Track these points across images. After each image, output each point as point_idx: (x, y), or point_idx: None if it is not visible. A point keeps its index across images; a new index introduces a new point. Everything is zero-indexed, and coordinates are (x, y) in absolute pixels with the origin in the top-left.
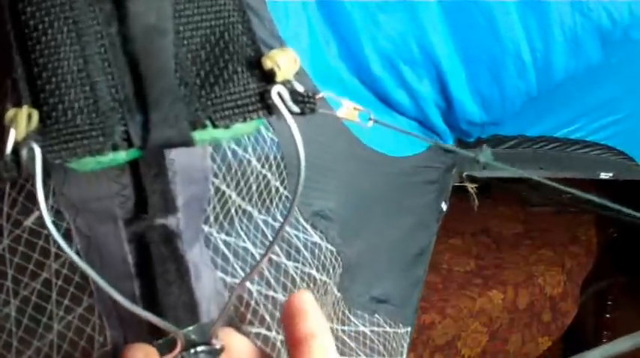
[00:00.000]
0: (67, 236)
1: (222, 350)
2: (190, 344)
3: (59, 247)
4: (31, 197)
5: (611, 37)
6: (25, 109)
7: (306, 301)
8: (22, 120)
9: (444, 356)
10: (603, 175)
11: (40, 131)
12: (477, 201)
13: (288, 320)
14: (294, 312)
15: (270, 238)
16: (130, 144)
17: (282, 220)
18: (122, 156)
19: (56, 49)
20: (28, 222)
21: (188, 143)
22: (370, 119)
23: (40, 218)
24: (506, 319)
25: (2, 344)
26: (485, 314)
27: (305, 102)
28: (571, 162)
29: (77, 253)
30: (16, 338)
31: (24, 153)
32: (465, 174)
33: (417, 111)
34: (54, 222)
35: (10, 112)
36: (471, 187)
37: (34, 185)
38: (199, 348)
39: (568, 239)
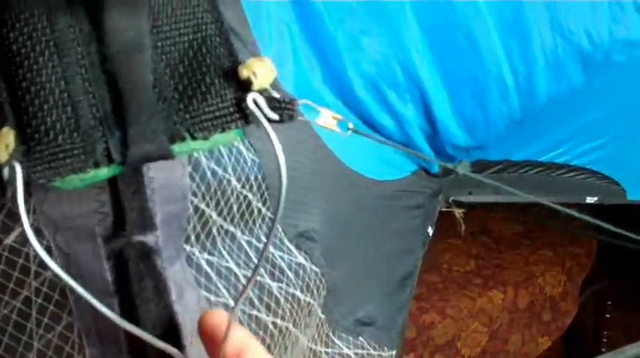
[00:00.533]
0: (47, 253)
1: None
2: None
3: (40, 265)
4: (11, 216)
5: (593, 60)
6: (7, 131)
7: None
8: (4, 142)
9: (444, 356)
10: (589, 199)
11: (24, 152)
12: (463, 226)
13: (209, 343)
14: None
15: (254, 258)
16: (111, 161)
17: (265, 240)
18: (104, 172)
19: (38, 71)
20: (9, 240)
21: (167, 156)
22: (349, 129)
23: (21, 236)
24: (506, 319)
25: None
26: (485, 314)
27: (283, 109)
28: (556, 186)
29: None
30: None
31: (5, 172)
32: (451, 199)
33: (402, 134)
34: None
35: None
36: (457, 213)
37: (15, 203)
38: None
39: (568, 239)
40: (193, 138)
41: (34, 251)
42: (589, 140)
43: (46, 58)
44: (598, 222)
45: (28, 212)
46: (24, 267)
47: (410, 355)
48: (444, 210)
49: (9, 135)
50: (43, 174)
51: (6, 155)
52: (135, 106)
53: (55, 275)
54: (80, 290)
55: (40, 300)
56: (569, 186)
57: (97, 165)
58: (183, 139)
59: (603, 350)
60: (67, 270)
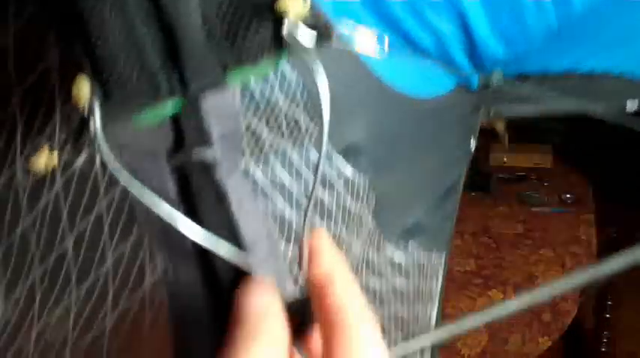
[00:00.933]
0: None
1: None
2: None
3: (108, 184)
4: (79, 143)
5: None
6: (83, 79)
7: (322, 239)
8: (84, 86)
9: (444, 356)
10: (629, 104)
11: (100, 97)
12: (507, 136)
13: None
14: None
15: (305, 173)
16: (175, 95)
17: (315, 155)
18: (171, 106)
19: (105, 22)
20: (78, 164)
21: (222, 87)
22: (386, 45)
23: (89, 159)
24: (506, 319)
25: (63, 276)
26: None
27: (320, 34)
28: (597, 92)
29: (124, 188)
30: (74, 272)
31: (87, 108)
32: (492, 112)
33: (441, 51)
34: (102, 162)
35: (78, 81)
36: (499, 125)
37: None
38: None
39: (568, 239)
40: (242, 68)
41: (102, 172)
42: (629, 46)
43: (109, 10)
44: None
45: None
46: (93, 187)
47: None
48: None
49: (84, 82)
50: (120, 114)
51: (86, 92)
52: (189, 46)
53: (123, 191)
54: (144, 191)
55: (110, 216)
56: (609, 92)
57: (164, 99)
58: (233, 70)
59: (603, 350)
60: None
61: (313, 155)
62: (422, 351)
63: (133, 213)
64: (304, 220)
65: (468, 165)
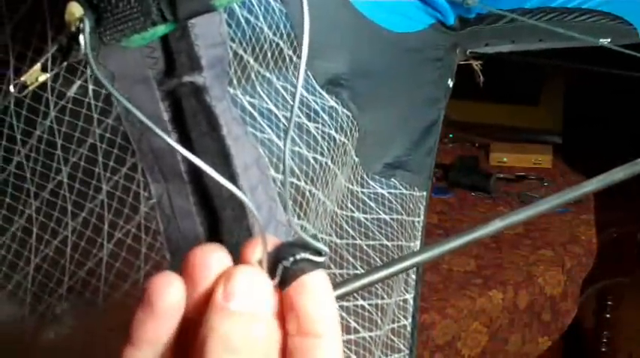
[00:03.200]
0: (106, 101)
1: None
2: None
3: (101, 113)
4: (72, 71)
5: None
6: (75, 4)
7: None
8: (76, 10)
9: (444, 356)
10: (602, 40)
11: (94, 20)
12: (481, 77)
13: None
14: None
15: (290, 101)
16: (165, 19)
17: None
18: (161, 29)
19: None
20: (71, 92)
21: (210, 9)
22: None
23: (82, 88)
24: (506, 319)
25: (58, 209)
26: (485, 314)
27: None
28: (570, 30)
29: (117, 116)
30: (71, 202)
31: (77, 25)
32: (468, 52)
33: None
34: (94, 90)
35: (70, 5)
36: (475, 64)
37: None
38: (300, 256)
39: (568, 239)
40: None
41: (96, 100)
42: None
43: None
44: None
45: (86, 64)
46: (87, 116)
47: None
48: (462, 63)
49: (78, 7)
50: (112, 36)
51: (77, 15)
52: None
53: (117, 119)
54: (140, 115)
55: (104, 145)
56: (582, 29)
57: (154, 24)
58: None
59: (603, 350)
60: (127, 115)
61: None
62: (407, 273)
63: (127, 141)
64: (284, 164)
65: (446, 104)
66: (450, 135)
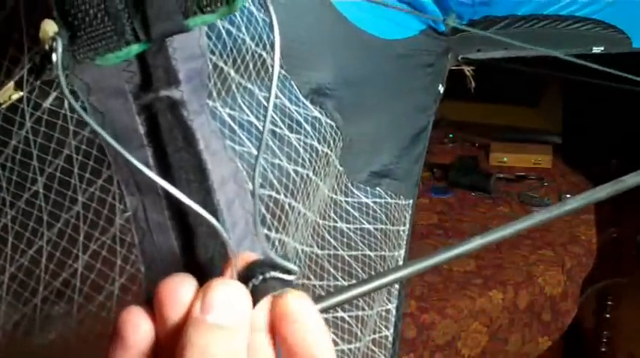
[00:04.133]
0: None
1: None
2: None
3: (77, 124)
4: (48, 83)
5: None
6: (50, 22)
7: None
8: (48, 29)
9: (444, 356)
10: (595, 49)
11: (68, 38)
12: (473, 83)
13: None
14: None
15: (272, 113)
16: (138, 39)
17: (282, 97)
18: (135, 48)
19: None
20: (47, 103)
21: (183, 30)
22: None
23: (58, 99)
24: (506, 319)
25: (34, 220)
26: (485, 314)
27: None
28: (563, 38)
29: (93, 130)
30: (46, 213)
31: (50, 44)
32: (460, 57)
33: None
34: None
35: (44, 23)
36: (467, 70)
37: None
38: (269, 274)
39: (568, 239)
40: (203, 12)
41: (72, 112)
42: None
43: None
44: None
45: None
46: (63, 127)
47: (410, 355)
48: (453, 68)
49: (52, 24)
50: (86, 54)
51: (51, 33)
52: None
53: (93, 132)
54: (110, 139)
55: (80, 157)
56: (575, 37)
57: (128, 43)
58: (194, 14)
59: (603, 350)
60: (102, 128)
61: (280, 95)
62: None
63: (102, 154)
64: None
65: (436, 110)
66: (450, 135)
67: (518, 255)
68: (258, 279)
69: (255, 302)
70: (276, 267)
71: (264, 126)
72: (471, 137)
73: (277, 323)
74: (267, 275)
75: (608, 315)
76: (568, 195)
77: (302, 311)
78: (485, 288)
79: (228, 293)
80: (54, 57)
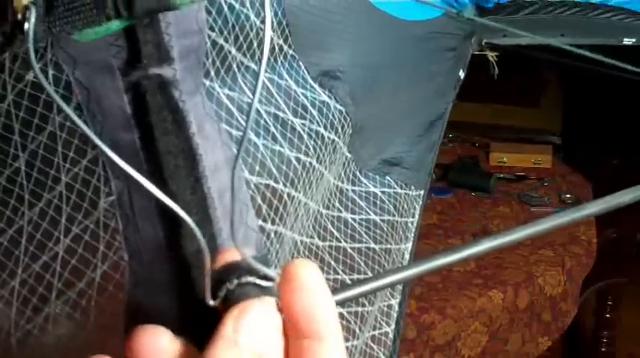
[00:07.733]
0: (67, 88)
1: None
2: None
3: (62, 99)
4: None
5: None
6: None
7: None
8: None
9: (444, 356)
10: (626, 41)
11: (45, 10)
12: (496, 69)
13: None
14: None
15: (276, 95)
16: (119, 15)
17: (288, 78)
18: (115, 24)
19: None
20: (30, 75)
21: (171, 8)
22: None
23: (41, 71)
24: (506, 319)
25: (15, 198)
26: (485, 314)
27: None
28: (593, 27)
29: (78, 105)
30: (28, 191)
31: (23, 12)
32: (484, 42)
33: None
34: (54, 75)
35: None
36: (490, 55)
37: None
38: (245, 279)
39: (568, 239)
40: None
41: (56, 86)
42: None
43: None
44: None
45: (46, 47)
46: (47, 102)
47: (410, 355)
48: (476, 53)
49: None
50: (62, 27)
51: (25, 1)
52: None
53: (78, 109)
54: (87, 131)
55: (64, 135)
56: (606, 27)
57: (108, 18)
58: None
59: (603, 350)
60: (88, 105)
61: (286, 77)
62: (393, 286)
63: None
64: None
65: (455, 96)
66: (450, 135)
67: (518, 255)
68: (233, 284)
69: (226, 308)
70: (253, 272)
71: (249, 113)
72: (470, 137)
73: (284, 288)
74: (243, 279)
75: (608, 315)
76: (568, 195)
77: (313, 281)
78: (485, 288)
79: (262, 317)
80: (25, 26)
